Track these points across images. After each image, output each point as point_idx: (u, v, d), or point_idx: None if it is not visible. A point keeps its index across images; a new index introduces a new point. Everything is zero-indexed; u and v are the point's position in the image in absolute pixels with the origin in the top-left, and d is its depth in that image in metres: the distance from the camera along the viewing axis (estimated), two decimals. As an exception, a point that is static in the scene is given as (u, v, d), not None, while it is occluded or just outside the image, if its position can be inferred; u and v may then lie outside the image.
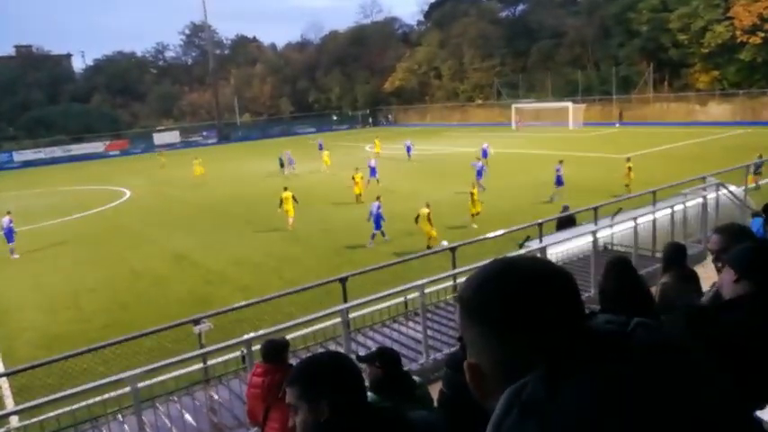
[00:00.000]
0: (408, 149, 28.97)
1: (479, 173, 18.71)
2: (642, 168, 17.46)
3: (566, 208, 11.54)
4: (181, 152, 47.84)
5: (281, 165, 27.18)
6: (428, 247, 11.29)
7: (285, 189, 16.01)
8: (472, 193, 14.55)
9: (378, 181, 20.97)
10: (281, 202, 15.49)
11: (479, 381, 0.66)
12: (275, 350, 3.20)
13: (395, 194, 19.46)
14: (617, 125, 40.21)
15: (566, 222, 10.23)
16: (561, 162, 16.98)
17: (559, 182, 16.69)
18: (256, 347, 5.58)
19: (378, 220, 13.51)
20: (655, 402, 0.54)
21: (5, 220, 15.18)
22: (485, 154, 24.00)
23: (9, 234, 15.10)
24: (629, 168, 16.63)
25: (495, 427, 0.59)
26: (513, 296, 0.64)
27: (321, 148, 31.42)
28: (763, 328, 1.49)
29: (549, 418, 0.55)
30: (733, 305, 1.64)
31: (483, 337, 0.65)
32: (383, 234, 13.72)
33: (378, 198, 13.99)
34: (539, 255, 7.04)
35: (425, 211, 12.51)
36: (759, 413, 1.39)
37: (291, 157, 27.80)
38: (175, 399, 5.60)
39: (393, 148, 32.82)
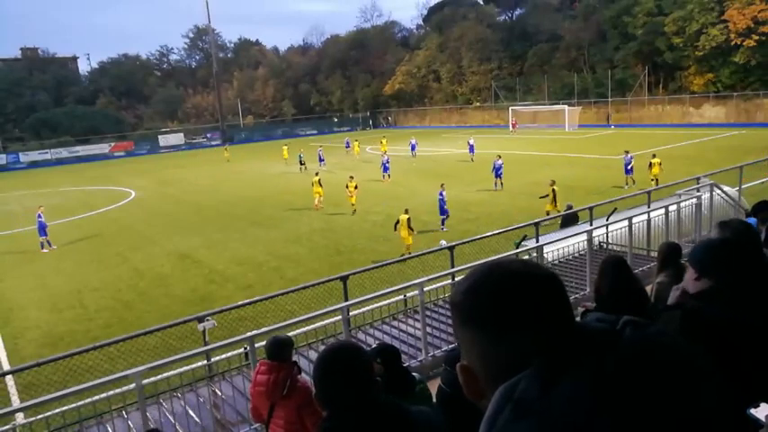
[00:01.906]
0: (413, 147, 30.48)
1: (498, 171, 19.14)
2: (638, 169, 17.90)
3: (569, 207, 11.79)
4: (188, 153, 48.87)
5: (301, 162, 28.24)
6: (402, 255, 10.74)
7: (316, 174, 19.04)
8: (554, 191, 14.22)
9: (389, 176, 22.67)
10: (313, 184, 18.69)
11: (472, 382, 0.68)
12: (279, 347, 3.21)
13: (398, 194, 19.67)
14: (612, 127, 40.53)
15: (570, 219, 10.56)
16: (627, 151, 18.14)
17: (628, 170, 17.68)
18: (259, 344, 5.69)
19: (442, 206, 14.14)
20: (644, 399, 0.55)
21: (38, 213, 15.86)
22: (471, 149, 27.03)
23: (41, 228, 15.75)
24: (650, 164, 17.43)
25: (488, 425, 0.59)
26: (501, 298, 0.65)
27: (348, 145, 35.35)
28: (746, 322, 1.59)
29: (541, 416, 0.56)
30: (696, 298, 1.73)
31: (474, 339, 0.66)
32: (442, 222, 14.24)
33: (442, 185, 14.44)
34: (535, 254, 7.18)
35: (404, 217, 12.29)
36: (753, 411, 1.45)
37: (323, 155, 28.98)
38: (179, 395, 5.63)
39: (395, 150, 33.21)
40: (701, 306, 1.65)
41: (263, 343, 5.91)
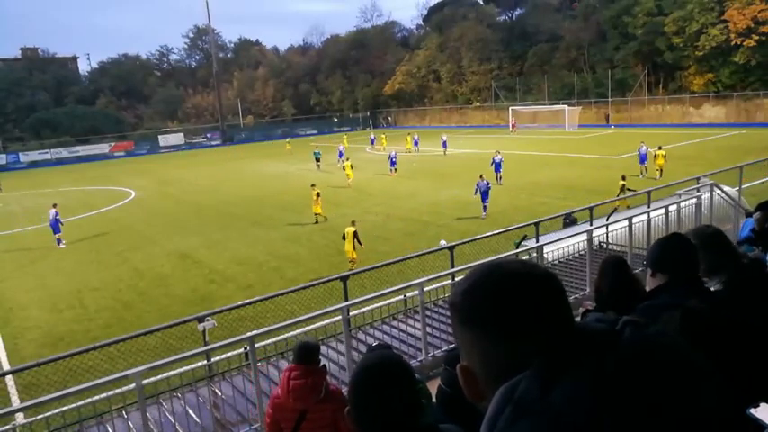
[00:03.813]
0: (416, 143, 34.08)
1: (498, 166, 19.76)
2: (637, 168, 18.04)
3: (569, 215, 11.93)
4: (189, 153, 48.85)
5: (317, 160, 28.86)
6: (350, 269, 10.00)
7: (347, 159, 22.18)
8: (625, 186, 13.78)
9: (395, 170, 24.06)
10: (344, 168, 21.96)
11: (473, 383, 0.68)
12: (312, 351, 3.17)
13: (398, 194, 19.62)
14: (612, 127, 40.56)
15: (574, 222, 10.79)
16: (643, 142, 19.45)
17: (642, 160, 19.05)
18: (259, 344, 5.69)
19: (485, 195, 15.18)
20: (644, 399, 0.55)
21: (52, 212, 16.10)
22: (444, 145, 30.36)
23: (55, 225, 16.02)
24: (655, 156, 18.60)
25: (488, 426, 0.59)
26: (500, 299, 0.65)
27: (373, 141, 39.01)
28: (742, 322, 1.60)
29: (541, 416, 0.56)
30: (652, 294, 1.78)
31: (474, 340, 0.66)
32: (484, 209, 15.25)
33: (481, 176, 15.53)
34: (535, 254, 7.18)
35: (350, 230, 11.57)
36: (755, 411, 1.45)
37: (342, 150, 29.70)
38: (179, 395, 5.63)
39: (398, 148, 33.39)
40: (702, 306, 1.66)
41: (264, 343, 5.95)
